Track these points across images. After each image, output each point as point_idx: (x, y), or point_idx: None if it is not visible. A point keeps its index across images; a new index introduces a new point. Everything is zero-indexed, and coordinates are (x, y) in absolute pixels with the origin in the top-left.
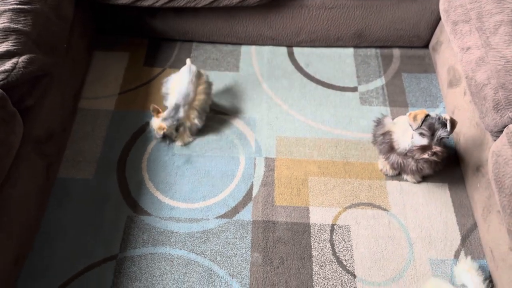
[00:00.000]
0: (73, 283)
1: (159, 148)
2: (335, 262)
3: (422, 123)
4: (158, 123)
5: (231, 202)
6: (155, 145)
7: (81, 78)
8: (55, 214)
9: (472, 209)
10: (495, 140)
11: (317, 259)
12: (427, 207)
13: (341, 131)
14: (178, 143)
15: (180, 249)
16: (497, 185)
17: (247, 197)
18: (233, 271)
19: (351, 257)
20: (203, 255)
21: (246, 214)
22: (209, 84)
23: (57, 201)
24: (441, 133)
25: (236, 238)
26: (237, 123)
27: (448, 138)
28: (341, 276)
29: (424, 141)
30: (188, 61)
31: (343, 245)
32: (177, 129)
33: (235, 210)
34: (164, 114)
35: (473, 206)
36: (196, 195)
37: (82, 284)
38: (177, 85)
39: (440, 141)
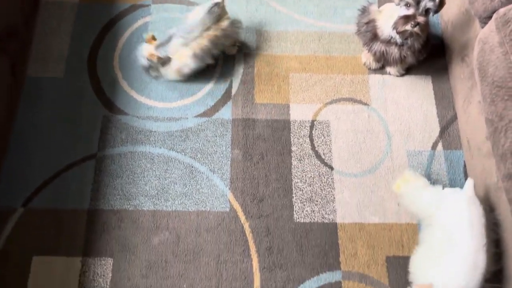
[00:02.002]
0: (54, 181)
1: (131, 44)
2: (313, 156)
3: None
4: (149, 50)
5: (209, 101)
6: (126, 40)
7: None
8: (28, 115)
9: (454, 101)
10: (483, 27)
11: (296, 154)
12: (408, 100)
13: (325, 23)
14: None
15: (160, 148)
16: (480, 73)
17: (226, 96)
18: (214, 167)
19: (330, 151)
20: (183, 153)
21: (226, 113)
22: (233, 23)
23: (29, 102)
24: (426, 2)
25: (216, 136)
26: None
27: (433, 12)
28: (319, 169)
29: (409, 11)
30: None
31: (322, 140)
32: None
33: (215, 109)
34: (157, 42)
35: (455, 97)
36: (173, 94)
37: (63, 182)
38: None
39: (426, 13)
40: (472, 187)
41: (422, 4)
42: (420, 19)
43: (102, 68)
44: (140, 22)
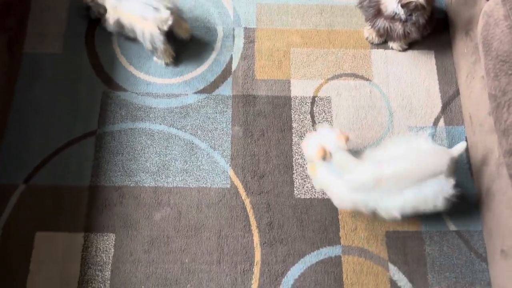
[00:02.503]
0: (54, 158)
1: None
2: None
3: None
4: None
5: (209, 76)
6: None
7: None
8: (27, 92)
9: (456, 76)
10: (487, 1)
11: (297, 130)
12: (410, 75)
13: None
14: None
15: (160, 124)
16: (484, 47)
17: (226, 71)
18: (214, 143)
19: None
20: (183, 130)
21: (226, 89)
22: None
23: (27, 78)
24: None
25: (216, 112)
26: None
27: None
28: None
29: None
30: None
31: (323, 116)
32: None
33: (215, 85)
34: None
35: (458, 73)
36: (173, 70)
37: (64, 158)
38: None
39: None
40: (462, 150)
41: None
42: None
43: (100, 44)
44: None
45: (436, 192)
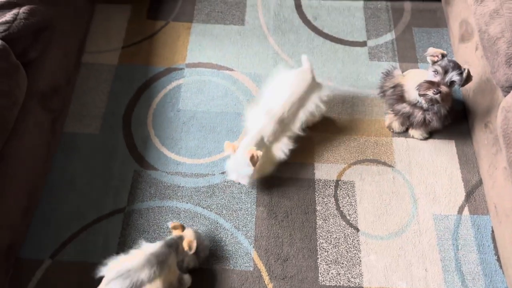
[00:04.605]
0: (82, 234)
1: (164, 104)
2: (338, 216)
3: (438, 61)
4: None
5: None
6: (160, 100)
7: (83, 31)
8: (62, 169)
9: (478, 165)
10: (505, 96)
11: (321, 213)
12: (432, 164)
13: (349, 87)
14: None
15: (187, 203)
16: (505, 140)
17: None
18: (238, 223)
19: (355, 212)
20: (209, 209)
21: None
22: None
23: (64, 156)
24: (453, 75)
25: (241, 193)
26: (243, 79)
27: (458, 85)
28: (344, 230)
29: (435, 79)
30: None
31: (347, 200)
32: None
33: None
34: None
35: (479, 162)
36: (202, 151)
37: (91, 235)
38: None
39: (450, 84)
40: (306, 61)
41: (449, 75)
42: (443, 88)
43: (136, 125)
44: (174, 83)
45: (316, 102)
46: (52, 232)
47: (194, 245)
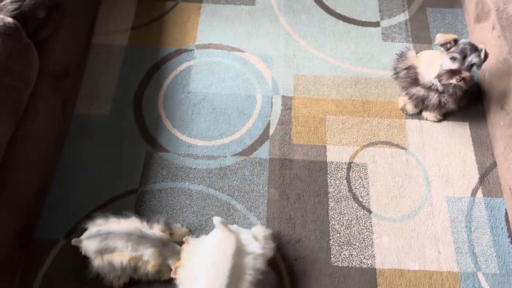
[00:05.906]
0: (95, 215)
1: (175, 86)
2: (351, 198)
3: (453, 47)
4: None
5: (248, 140)
6: (170, 82)
7: (92, 12)
8: (74, 150)
9: (493, 147)
10: None
11: (333, 196)
12: (446, 146)
13: (362, 69)
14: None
15: (199, 184)
16: None
17: (264, 136)
18: (250, 205)
19: (367, 194)
20: (221, 190)
21: (263, 152)
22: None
23: (75, 138)
24: (472, 58)
25: (253, 175)
26: (254, 60)
27: (479, 67)
28: (356, 212)
29: (454, 66)
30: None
31: (360, 182)
32: None
33: (252, 148)
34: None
35: (494, 144)
36: (213, 133)
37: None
38: None
39: (471, 68)
40: (222, 226)
41: (468, 59)
42: (466, 74)
43: (147, 107)
44: (184, 65)
45: (253, 265)
46: (66, 213)
47: None
